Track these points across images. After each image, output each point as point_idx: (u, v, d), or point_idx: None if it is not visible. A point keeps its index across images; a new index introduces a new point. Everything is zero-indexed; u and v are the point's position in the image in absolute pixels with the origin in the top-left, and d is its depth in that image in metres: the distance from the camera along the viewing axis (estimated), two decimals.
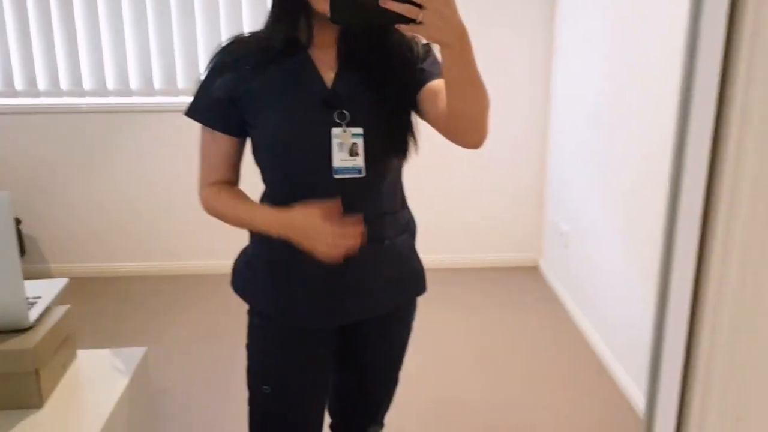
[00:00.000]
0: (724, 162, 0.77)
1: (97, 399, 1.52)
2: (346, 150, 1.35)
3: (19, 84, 3.70)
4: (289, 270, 1.45)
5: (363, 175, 1.36)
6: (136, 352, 1.72)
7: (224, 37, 3.60)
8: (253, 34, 1.42)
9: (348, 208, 1.40)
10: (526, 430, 2.52)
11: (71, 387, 1.56)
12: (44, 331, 1.50)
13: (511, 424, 2.55)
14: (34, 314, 1.55)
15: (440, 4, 1.07)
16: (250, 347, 1.55)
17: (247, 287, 1.53)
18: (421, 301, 1.63)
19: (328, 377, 1.59)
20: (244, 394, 1.57)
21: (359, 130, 1.35)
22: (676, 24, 2.26)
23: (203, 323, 3.34)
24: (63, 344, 1.60)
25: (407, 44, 1.40)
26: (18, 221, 3.81)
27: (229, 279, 1.57)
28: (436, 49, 1.29)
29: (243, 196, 1.44)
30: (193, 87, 1.44)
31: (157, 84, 3.71)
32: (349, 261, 1.43)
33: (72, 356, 1.67)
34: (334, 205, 1.32)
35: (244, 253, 1.56)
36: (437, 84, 1.35)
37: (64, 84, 3.71)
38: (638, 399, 2.58)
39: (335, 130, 1.34)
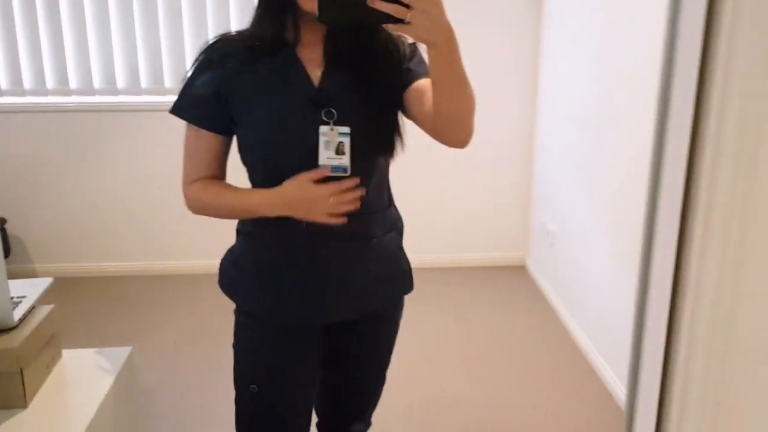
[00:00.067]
0: (702, 163, 0.78)
1: (82, 399, 1.51)
2: (333, 148, 1.35)
3: (4, 83, 3.67)
4: (275, 269, 1.45)
5: (348, 174, 1.36)
6: (122, 352, 1.72)
7: (211, 35, 3.59)
8: (240, 33, 1.42)
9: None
10: (513, 429, 2.53)
11: (56, 387, 1.56)
12: (28, 331, 1.50)
13: (498, 423, 2.56)
14: (18, 314, 1.55)
15: (428, 5, 1.08)
16: (237, 346, 1.55)
17: (234, 286, 1.53)
18: (408, 300, 1.63)
19: (315, 376, 1.59)
20: (231, 394, 1.57)
21: (346, 130, 1.35)
22: (663, 25, 2.27)
23: (190, 323, 3.33)
24: (48, 344, 1.59)
25: (394, 44, 1.41)
26: (3, 221, 3.78)
27: (216, 279, 1.57)
28: (423, 48, 1.30)
29: (231, 186, 1.44)
30: (180, 86, 1.44)
31: (144, 83, 3.69)
32: (336, 259, 1.43)
33: (57, 356, 1.66)
34: (322, 170, 1.34)
35: (231, 252, 1.56)
36: (423, 83, 1.35)
37: (50, 83, 3.69)
38: (625, 398, 2.59)
39: (323, 128, 1.34)
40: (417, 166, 3.44)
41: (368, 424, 1.75)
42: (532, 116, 3.82)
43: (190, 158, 1.44)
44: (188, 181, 1.44)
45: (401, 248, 1.58)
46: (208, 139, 1.42)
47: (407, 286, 1.59)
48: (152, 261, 3.92)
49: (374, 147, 1.41)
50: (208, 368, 2.90)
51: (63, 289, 3.47)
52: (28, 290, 1.66)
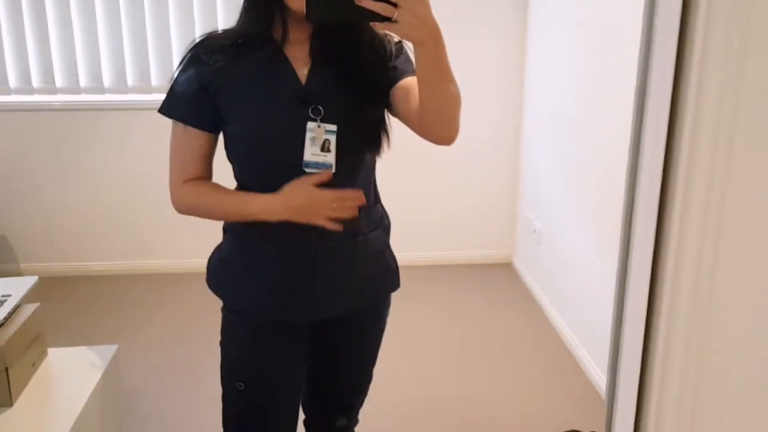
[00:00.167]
0: (679, 157, 0.79)
1: (68, 396, 1.51)
2: (318, 145, 1.36)
3: None
4: (262, 266, 1.46)
5: (333, 171, 1.37)
6: (108, 350, 1.72)
7: (198, 34, 3.58)
8: (227, 31, 1.42)
9: None
10: (499, 426, 2.54)
11: (42, 385, 1.56)
12: (14, 329, 1.49)
13: (484, 420, 2.57)
14: (3, 312, 1.54)
15: (414, 3, 1.09)
16: (224, 344, 1.55)
17: (221, 284, 1.53)
18: (394, 297, 1.64)
19: (302, 373, 1.59)
20: (218, 392, 1.57)
21: (333, 127, 1.36)
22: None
23: (176, 322, 3.32)
24: (33, 342, 1.59)
25: (380, 42, 1.41)
26: None
27: (201, 278, 1.57)
28: (409, 47, 1.31)
29: (226, 189, 1.44)
30: (167, 85, 1.44)
31: (130, 81, 3.68)
32: (323, 256, 1.44)
33: (42, 354, 1.66)
34: (325, 173, 1.35)
35: (218, 250, 1.56)
36: (410, 81, 1.36)
37: (35, 81, 3.67)
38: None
39: (310, 125, 1.35)
40: (403, 163, 3.44)
41: (355, 421, 1.76)
42: (518, 114, 3.84)
43: (178, 158, 1.43)
44: (177, 182, 1.44)
45: (388, 245, 1.59)
46: (197, 137, 1.41)
47: (394, 283, 1.60)
48: (138, 260, 3.91)
49: (360, 144, 1.42)
50: (194, 367, 2.89)
51: (48, 288, 3.45)
52: (13, 289, 1.65)
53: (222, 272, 1.53)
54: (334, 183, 1.39)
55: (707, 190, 0.79)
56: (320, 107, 1.36)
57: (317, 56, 1.39)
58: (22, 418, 1.45)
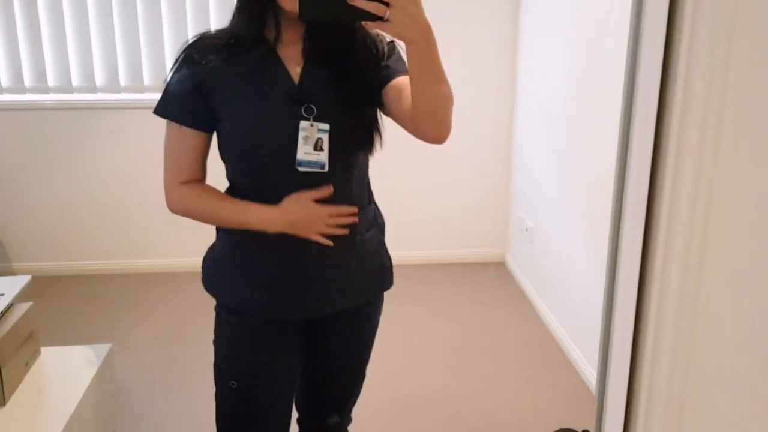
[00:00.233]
0: (667, 149, 0.80)
1: (62, 396, 1.51)
2: (311, 144, 1.36)
3: None
4: (256, 264, 1.46)
5: (325, 170, 1.38)
6: (101, 349, 1.72)
7: (190, 33, 3.58)
8: (220, 32, 1.43)
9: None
10: (492, 423, 2.55)
11: (35, 384, 1.56)
12: (7, 328, 1.49)
13: (477, 418, 2.58)
14: None
15: (406, 3, 1.10)
16: (218, 342, 1.55)
17: (215, 282, 1.53)
18: (387, 296, 1.64)
19: (295, 370, 1.60)
20: (211, 391, 1.57)
21: (326, 126, 1.37)
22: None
23: (170, 321, 3.32)
24: (26, 341, 1.59)
25: (373, 42, 1.42)
26: None
27: (194, 277, 1.57)
28: (401, 46, 1.31)
29: (226, 196, 1.45)
30: (160, 84, 1.44)
31: (123, 80, 3.67)
32: (317, 255, 1.44)
33: (36, 353, 1.66)
34: (325, 189, 1.38)
35: (212, 249, 1.57)
36: (402, 81, 1.37)
37: (27, 80, 3.66)
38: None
39: (303, 123, 1.36)
40: (396, 163, 3.45)
41: (349, 419, 1.76)
42: (511, 113, 3.85)
43: (173, 158, 1.44)
44: (173, 183, 1.44)
45: (383, 244, 1.59)
46: (191, 137, 1.42)
47: (387, 281, 1.61)
48: (131, 259, 3.90)
49: (353, 143, 1.42)
50: (188, 366, 2.89)
51: (41, 287, 3.44)
52: (6, 288, 1.65)
53: (216, 272, 1.53)
54: (327, 182, 1.40)
55: (695, 180, 0.80)
56: (313, 106, 1.37)
57: (310, 56, 1.40)
58: (16, 417, 1.45)
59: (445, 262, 4.00)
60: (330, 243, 1.40)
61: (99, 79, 3.67)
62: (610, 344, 0.88)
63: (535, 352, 3.06)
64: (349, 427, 1.78)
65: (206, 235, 1.57)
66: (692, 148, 0.80)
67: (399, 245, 1.74)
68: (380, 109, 1.44)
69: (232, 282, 1.49)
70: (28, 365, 1.61)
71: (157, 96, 1.43)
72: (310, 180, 1.39)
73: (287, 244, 1.43)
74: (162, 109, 1.42)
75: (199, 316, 3.21)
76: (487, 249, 4.04)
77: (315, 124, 1.36)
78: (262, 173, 1.41)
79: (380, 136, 1.45)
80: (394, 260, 1.62)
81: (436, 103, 1.25)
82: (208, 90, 1.38)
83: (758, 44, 0.81)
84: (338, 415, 1.71)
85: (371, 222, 1.54)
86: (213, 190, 1.45)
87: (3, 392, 1.48)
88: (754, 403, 0.93)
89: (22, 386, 1.56)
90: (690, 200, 0.81)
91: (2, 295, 1.62)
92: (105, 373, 1.66)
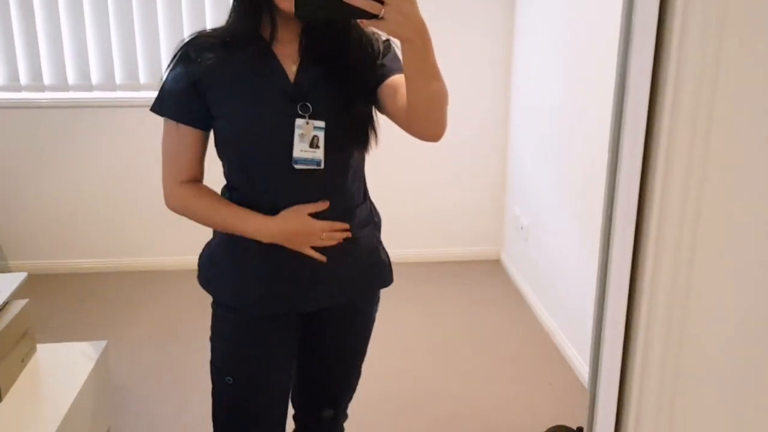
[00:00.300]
0: (658, 147, 0.81)
1: (57, 392, 1.51)
2: (307, 141, 1.37)
3: None
4: (252, 261, 1.47)
5: (322, 167, 1.38)
6: (97, 346, 1.72)
7: (186, 32, 3.58)
8: (216, 30, 1.44)
9: (310, 201, 1.43)
10: (487, 421, 2.56)
11: (31, 381, 1.56)
12: (2, 325, 1.50)
13: (472, 416, 2.59)
14: None
15: (401, 1, 1.11)
16: (214, 339, 1.56)
17: (211, 279, 1.54)
18: (383, 294, 1.65)
19: (291, 366, 1.61)
20: (206, 389, 1.58)
21: (321, 124, 1.38)
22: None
23: (164, 320, 3.32)
24: (22, 338, 1.59)
25: (368, 40, 1.43)
26: None
27: (189, 275, 1.57)
28: (396, 44, 1.32)
29: (224, 200, 1.46)
30: (155, 82, 1.45)
31: (118, 79, 3.67)
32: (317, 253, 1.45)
33: (32, 350, 1.67)
34: (322, 203, 1.41)
35: (208, 246, 1.57)
36: (397, 79, 1.38)
37: (23, 79, 3.65)
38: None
39: (298, 121, 1.36)
40: (392, 160, 3.46)
41: (344, 416, 1.77)
42: (506, 112, 3.86)
43: (171, 157, 1.45)
44: (173, 182, 1.45)
45: (379, 241, 1.60)
46: (188, 135, 1.42)
47: (386, 279, 1.61)
48: (127, 257, 3.90)
49: (348, 141, 1.43)
50: (183, 364, 2.90)
51: (37, 285, 3.44)
52: (2, 285, 1.66)
53: (212, 268, 1.54)
54: (323, 178, 1.41)
55: (685, 179, 0.81)
56: (309, 104, 1.38)
57: (306, 54, 1.41)
58: (11, 413, 1.46)
59: (440, 260, 4.01)
60: (323, 258, 1.43)
61: (95, 78, 3.67)
62: (601, 343, 0.89)
63: (530, 349, 3.07)
64: (345, 424, 1.79)
65: (201, 234, 1.57)
66: (682, 147, 0.81)
67: (394, 243, 1.75)
68: (376, 107, 1.45)
69: (228, 278, 1.50)
70: (24, 362, 1.61)
71: (153, 94, 1.44)
72: (307, 177, 1.40)
73: None
74: (158, 106, 1.43)
75: (194, 314, 3.22)
76: (482, 247, 4.05)
77: (311, 121, 1.37)
78: (258, 171, 1.42)
79: (375, 133, 1.46)
80: (390, 258, 1.63)
81: (431, 101, 1.26)
82: (205, 88, 1.39)
83: (748, 43, 0.81)
84: (332, 408, 1.71)
85: (366, 219, 1.55)
86: (212, 193, 1.47)
87: None
88: (744, 400, 0.94)
89: (17, 383, 1.56)
90: (680, 200, 0.82)
91: None
92: (101, 369, 1.66)
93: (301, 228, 1.40)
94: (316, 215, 1.41)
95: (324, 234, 1.41)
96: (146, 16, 3.60)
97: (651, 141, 0.82)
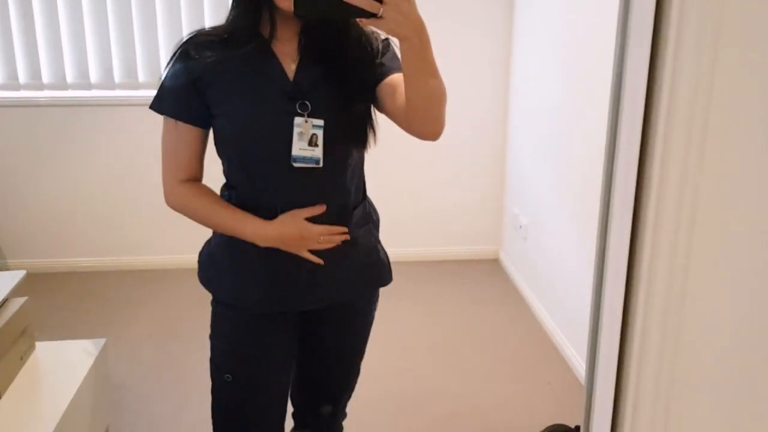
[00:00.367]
0: (654, 151, 0.81)
1: (56, 390, 1.52)
2: (306, 140, 1.37)
3: None
4: (251, 259, 1.47)
5: (320, 165, 1.39)
6: (96, 344, 1.72)
7: (185, 30, 3.58)
8: (215, 28, 1.44)
9: (309, 200, 1.43)
10: (486, 420, 2.56)
11: (30, 378, 1.56)
12: (1, 323, 1.50)
13: (471, 414, 2.59)
14: None
15: (399, 0, 1.11)
16: (213, 336, 1.56)
17: (211, 277, 1.54)
18: (382, 293, 1.65)
19: (290, 364, 1.61)
20: (205, 387, 1.58)
21: (320, 122, 1.38)
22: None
23: (163, 318, 3.32)
24: (21, 336, 1.59)
25: (367, 39, 1.43)
26: None
27: (188, 274, 1.58)
28: (395, 43, 1.32)
29: (225, 203, 1.46)
30: (154, 81, 1.45)
31: (117, 77, 3.67)
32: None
33: (30, 348, 1.67)
34: (318, 208, 1.41)
35: (208, 244, 1.58)
36: (396, 78, 1.38)
37: (22, 77, 3.65)
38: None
39: (297, 120, 1.37)
40: (391, 160, 3.47)
41: (343, 414, 1.77)
42: (505, 111, 3.87)
43: (171, 156, 1.45)
44: (173, 181, 1.45)
45: (378, 240, 1.61)
46: (188, 133, 1.43)
47: (385, 278, 1.62)
48: (126, 256, 3.91)
49: (347, 139, 1.44)
50: (182, 362, 2.90)
51: (35, 284, 3.44)
52: (1, 283, 1.66)
53: (211, 266, 1.54)
54: (322, 177, 1.41)
55: (681, 183, 0.82)
56: (307, 102, 1.38)
57: (305, 53, 1.41)
58: (10, 410, 1.46)
59: (439, 259, 4.01)
60: (320, 261, 1.43)
61: (93, 76, 3.67)
62: (598, 342, 0.89)
63: (528, 348, 3.07)
64: (344, 423, 1.79)
65: (200, 233, 1.58)
66: (678, 151, 0.81)
67: (393, 242, 1.75)
68: (374, 106, 1.45)
69: (228, 276, 1.50)
70: (23, 359, 1.61)
71: (152, 93, 1.44)
72: (305, 176, 1.40)
73: None
74: (158, 104, 1.43)
75: (193, 313, 3.23)
76: (481, 246, 4.06)
77: (309, 120, 1.37)
78: (257, 169, 1.42)
79: (374, 132, 1.46)
80: (389, 257, 1.63)
81: (429, 99, 1.26)
82: (204, 86, 1.39)
83: (743, 51, 0.82)
84: (330, 404, 1.71)
85: (365, 218, 1.55)
86: (211, 194, 1.47)
87: None
88: (738, 405, 0.94)
89: (16, 381, 1.56)
90: (675, 205, 0.82)
91: None
92: (100, 367, 1.66)
93: (298, 232, 1.40)
94: (313, 219, 1.42)
95: (322, 238, 1.42)
96: (145, 14, 3.60)
97: (647, 147, 0.83)
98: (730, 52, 0.81)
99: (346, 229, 1.45)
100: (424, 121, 1.31)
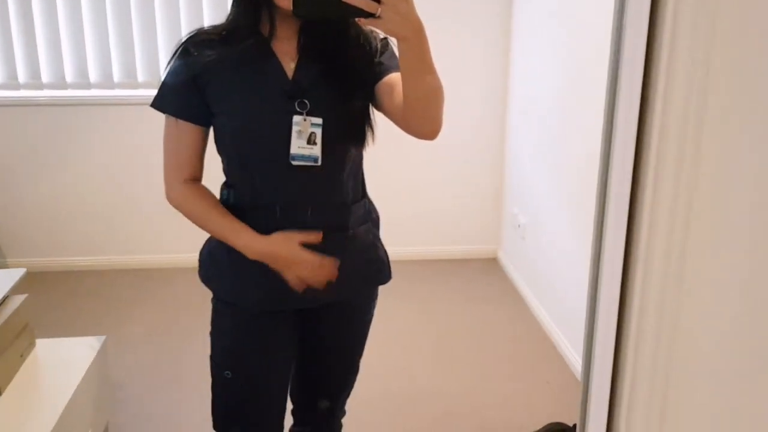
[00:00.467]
0: (649, 149, 0.82)
1: (56, 387, 1.52)
2: (305, 138, 1.38)
3: None
4: (250, 266, 1.46)
5: (319, 164, 1.39)
6: (96, 341, 1.73)
7: (184, 30, 3.59)
8: (216, 27, 1.45)
9: (308, 198, 1.44)
10: (484, 419, 2.57)
11: (30, 375, 1.57)
12: (1, 320, 1.51)
13: (470, 413, 2.60)
14: None
15: (397, 0, 1.12)
16: (213, 334, 1.57)
17: (211, 276, 1.55)
18: (381, 292, 1.66)
19: (289, 361, 1.62)
20: (205, 386, 1.58)
21: (319, 121, 1.39)
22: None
23: (161, 317, 3.32)
24: (21, 333, 1.60)
25: (366, 38, 1.44)
26: None
27: (186, 273, 1.58)
28: (394, 43, 1.33)
29: (222, 209, 1.47)
30: (154, 80, 1.46)
31: (116, 77, 3.67)
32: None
33: (30, 345, 1.67)
34: (314, 235, 1.41)
35: (208, 242, 1.58)
36: (394, 77, 1.39)
37: (21, 77, 3.66)
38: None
39: (296, 118, 1.38)
40: (390, 159, 3.47)
41: (342, 412, 1.78)
42: (503, 110, 3.87)
43: (172, 154, 1.46)
44: (174, 180, 1.46)
45: (378, 238, 1.61)
46: (189, 131, 1.44)
47: (384, 276, 1.62)
48: (124, 255, 3.91)
49: (345, 137, 1.44)
50: (181, 361, 2.91)
51: (34, 283, 3.45)
52: (1, 280, 1.66)
53: (211, 264, 1.55)
54: (321, 175, 1.42)
55: (676, 175, 0.82)
56: (306, 101, 1.39)
57: (304, 52, 1.42)
58: (10, 407, 1.46)
59: (438, 258, 4.02)
60: (302, 289, 1.43)
61: (93, 76, 3.67)
62: (594, 339, 0.90)
63: (527, 347, 3.08)
64: (343, 421, 1.80)
65: (198, 232, 1.58)
66: (673, 147, 0.82)
67: (391, 241, 1.76)
68: (373, 105, 1.46)
69: (228, 274, 1.51)
70: (23, 357, 1.62)
71: (151, 92, 1.45)
72: (304, 174, 1.41)
73: None
74: (158, 102, 1.44)
75: (191, 311, 3.23)
76: (479, 245, 4.06)
77: (308, 118, 1.38)
78: (256, 167, 1.43)
79: (372, 130, 1.47)
80: (388, 255, 1.64)
81: (427, 98, 1.27)
82: (204, 83, 1.40)
83: (738, 49, 0.82)
84: (328, 400, 1.72)
85: (364, 216, 1.56)
86: (209, 198, 1.48)
87: None
88: (737, 394, 0.95)
89: (16, 378, 1.57)
90: (671, 200, 0.83)
91: None
92: (100, 364, 1.67)
93: (286, 254, 1.40)
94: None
95: (310, 269, 1.40)
96: (144, 14, 3.61)
97: (642, 144, 0.83)
98: (725, 50, 0.82)
99: (338, 263, 1.44)
100: (422, 120, 1.32)
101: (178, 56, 1.42)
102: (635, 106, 0.82)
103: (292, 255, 1.40)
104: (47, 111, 3.71)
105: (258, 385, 1.56)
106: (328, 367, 1.69)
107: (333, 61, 1.41)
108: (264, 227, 1.44)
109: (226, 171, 1.51)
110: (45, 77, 3.66)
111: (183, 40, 1.43)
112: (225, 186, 1.52)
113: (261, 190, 1.44)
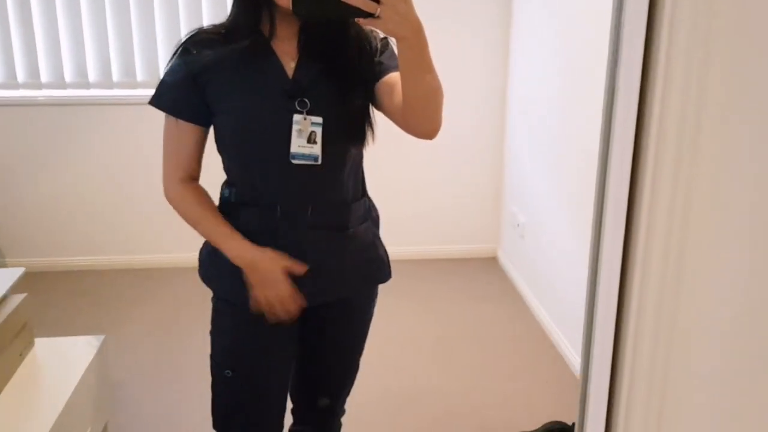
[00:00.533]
0: (648, 147, 0.82)
1: (55, 386, 1.52)
2: (305, 137, 1.39)
3: None
4: None
5: (319, 163, 1.40)
6: (95, 340, 1.73)
7: (183, 29, 3.59)
8: (216, 27, 1.45)
9: (308, 197, 1.44)
10: (484, 418, 2.57)
11: (28, 375, 1.57)
12: (0, 319, 1.51)
13: (469, 412, 2.60)
14: None
15: (396, 0, 1.12)
16: (213, 333, 1.57)
17: (211, 274, 1.56)
18: (380, 291, 1.66)
19: (290, 360, 1.62)
20: (205, 385, 1.58)
21: (319, 120, 1.39)
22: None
23: (160, 317, 3.32)
24: (20, 332, 1.60)
25: (366, 38, 1.45)
26: None
27: (185, 273, 1.59)
28: (394, 43, 1.34)
29: (216, 214, 1.48)
30: (153, 80, 1.46)
31: (115, 76, 3.67)
32: (310, 248, 1.46)
33: (29, 344, 1.67)
34: (301, 266, 1.42)
35: (208, 241, 1.58)
36: (394, 77, 1.39)
37: (20, 76, 3.66)
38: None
39: (296, 117, 1.38)
40: (389, 158, 3.47)
41: (342, 410, 1.78)
42: (502, 110, 3.87)
43: (171, 154, 1.46)
44: (173, 179, 1.47)
45: (377, 237, 1.61)
46: (188, 130, 1.44)
47: (384, 274, 1.62)
48: (124, 255, 3.91)
49: (345, 136, 1.45)
50: (181, 360, 2.91)
51: (34, 283, 3.45)
52: (0, 280, 1.67)
53: (211, 264, 1.55)
54: (321, 174, 1.42)
55: (674, 174, 0.83)
56: (306, 100, 1.39)
57: (305, 51, 1.42)
58: (9, 406, 1.47)
59: (437, 257, 4.02)
60: (258, 311, 1.44)
61: (92, 75, 3.67)
62: (592, 339, 0.90)
63: (526, 347, 3.08)
64: (343, 420, 1.80)
65: (197, 232, 1.59)
66: (671, 145, 0.82)
67: (391, 240, 1.76)
68: (372, 104, 1.47)
69: (228, 274, 1.51)
70: (22, 356, 1.62)
71: (150, 92, 1.45)
72: (304, 173, 1.41)
73: (281, 235, 1.45)
74: (156, 100, 1.44)
75: (190, 311, 3.23)
76: (478, 244, 4.06)
77: (308, 117, 1.38)
78: (256, 166, 1.44)
79: (372, 130, 1.47)
80: (388, 254, 1.64)
81: (426, 98, 1.28)
82: (204, 82, 1.40)
83: (735, 49, 0.83)
84: (328, 398, 1.72)
85: (364, 215, 1.56)
86: (205, 202, 1.48)
87: None
88: (735, 395, 0.95)
89: (15, 377, 1.57)
90: (669, 199, 0.83)
91: None
92: (99, 363, 1.67)
93: (267, 272, 1.42)
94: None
95: (280, 297, 1.42)
96: (143, 13, 3.60)
97: (640, 144, 0.84)
98: (723, 51, 0.82)
99: (304, 305, 1.46)
100: (421, 119, 1.32)
101: (178, 55, 1.42)
102: (633, 106, 0.82)
103: (272, 275, 1.42)
104: (46, 111, 3.70)
105: (258, 385, 1.56)
106: (328, 367, 1.69)
107: (333, 60, 1.42)
108: (264, 226, 1.44)
109: (226, 170, 1.51)
110: (44, 77, 3.66)
111: (183, 40, 1.44)
112: (225, 185, 1.52)
113: (261, 188, 1.45)
